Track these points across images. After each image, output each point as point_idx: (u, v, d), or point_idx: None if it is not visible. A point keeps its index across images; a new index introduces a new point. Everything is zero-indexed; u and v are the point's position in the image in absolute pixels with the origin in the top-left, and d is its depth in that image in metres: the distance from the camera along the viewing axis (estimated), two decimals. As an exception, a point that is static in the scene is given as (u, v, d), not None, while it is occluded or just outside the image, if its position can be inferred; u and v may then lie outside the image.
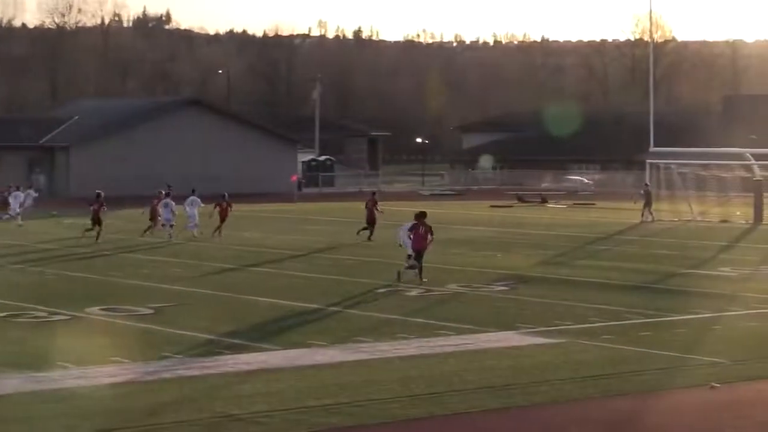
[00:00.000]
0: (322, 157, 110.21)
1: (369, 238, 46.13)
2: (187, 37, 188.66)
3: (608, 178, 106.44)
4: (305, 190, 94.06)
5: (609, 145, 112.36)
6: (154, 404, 16.93)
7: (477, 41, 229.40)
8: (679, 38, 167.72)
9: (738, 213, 61.05)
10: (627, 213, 65.16)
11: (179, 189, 51.59)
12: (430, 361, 20.36)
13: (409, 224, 32.71)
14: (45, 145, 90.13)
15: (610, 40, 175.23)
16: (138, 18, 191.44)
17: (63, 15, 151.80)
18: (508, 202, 78.74)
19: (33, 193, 59.46)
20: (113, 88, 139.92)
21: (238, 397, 17.46)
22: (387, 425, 16.05)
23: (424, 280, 31.56)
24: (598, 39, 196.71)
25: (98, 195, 46.31)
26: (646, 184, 61.87)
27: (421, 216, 32.34)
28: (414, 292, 30.08)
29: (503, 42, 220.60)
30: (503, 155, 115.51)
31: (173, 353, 20.89)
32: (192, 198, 48.44)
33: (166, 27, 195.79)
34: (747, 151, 64.84)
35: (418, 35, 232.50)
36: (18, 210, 55.29)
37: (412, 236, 32.09)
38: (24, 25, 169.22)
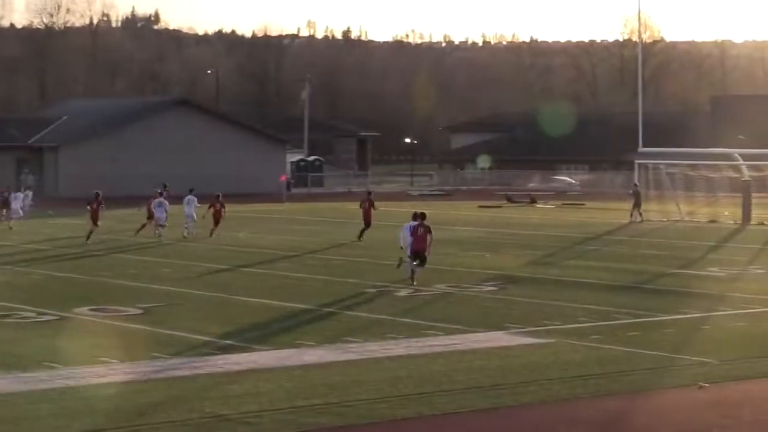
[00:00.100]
0: (311, 158, 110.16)
1: (359, 238, 46.09)
2: (176, 37, 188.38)
3: (597, 178, 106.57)
4: (294, 191, 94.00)
5: (598, 145, 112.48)
6: (143, 405, 16.92)
7: (466, 41, 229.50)
8: (668, 39, 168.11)
9: (726, 213, 61.17)
10: (616, 213, 65.26)
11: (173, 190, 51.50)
12: (418, 362, 20.38)
13: (410, 225, 32.66)
14: (34, 145, 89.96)
15: (598, 40, 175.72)
16: (127, 18, 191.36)
17: (51, 15, 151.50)
18: (497, 202, 78.78)
19: (30, 194, 59.32)
20: (102, 88, 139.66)
21: (228, 397, 17.46)
22: (376, 425, 16.06)
23: (414, 283, 31.44)
24: (586, 39, 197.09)
25: (96, 195, 46.48)
26: (636, 184, 61.95)
27: (421, 217, 32.41)
28: (403, 293, 30.09)
29: (492, 42, 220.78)
30: (492, 156, 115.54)
31: (162, 353, 20.88)
32: (189, 197, 48.55)
33: (155, 27, 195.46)
34: (735, 151, 64.96)
35: (407, 35, 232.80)
36: (20, 212, 55.27)
37: (411, 237, 32.01)
38: (12, 25, 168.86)
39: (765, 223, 57.21)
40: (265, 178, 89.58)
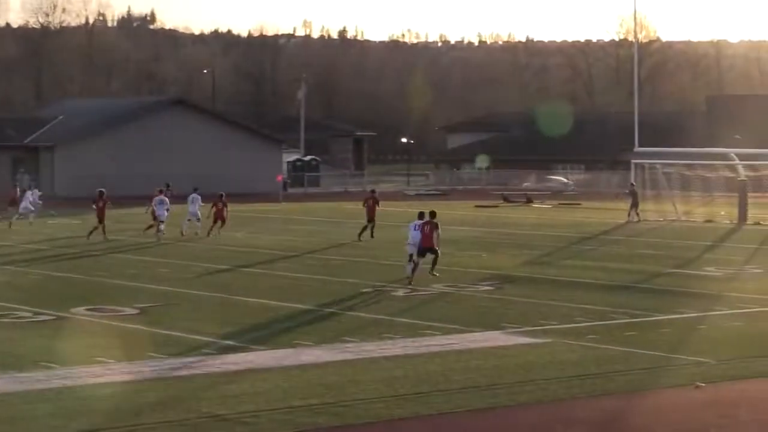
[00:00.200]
0: (308, 157, 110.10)
1: (359, 237, 46.11)
2: (172, 36, 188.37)
3: (593, 178, 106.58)
4: (290, 190, 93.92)
5: (594, 145, 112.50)
6: (139, 404, 16.92)
7: (462, 41, 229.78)
8: (664, 38, 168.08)
9: (722, 213, 61.21)
10: (612, 213, 65.28)
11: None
12: (415, 361, 20.39)
13: (415, 223, 33.11)
14: (30, 144, 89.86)
15: (594, 40, 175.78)
16: (122, 18, 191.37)
17: (47, 15, 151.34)
18: (494, 202, 78.79)
19: (37, 192, 59.31)
20: (98, 87, 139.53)
21: (225, 397, 17.47)
22: (372, 425, 16.07)
23: (411, 283, 31.52)
24: (582, 39, 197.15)
25: (101, 193, 46.58)
26: (632, 184, 61.98)
27: (430, 215, 32.93)
28: (400, 292, 30.11)
29: (488, 42, 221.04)
30: (488, 155, 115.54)
31: (159, 354, 20.88)
32: (193, 196, 48.64)
33: (151, 27, 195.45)
34: (731, 151, 65.03)
35: (403, 35, 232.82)
36: (31, 209, 55.31)
37: (420, 235, 32.44)
38: (8, 24, 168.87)
39: (761, 222, 57.26)
40: (262, 178, 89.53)
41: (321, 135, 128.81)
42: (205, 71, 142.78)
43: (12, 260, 38.61)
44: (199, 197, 48.64)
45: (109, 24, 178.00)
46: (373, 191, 50.18)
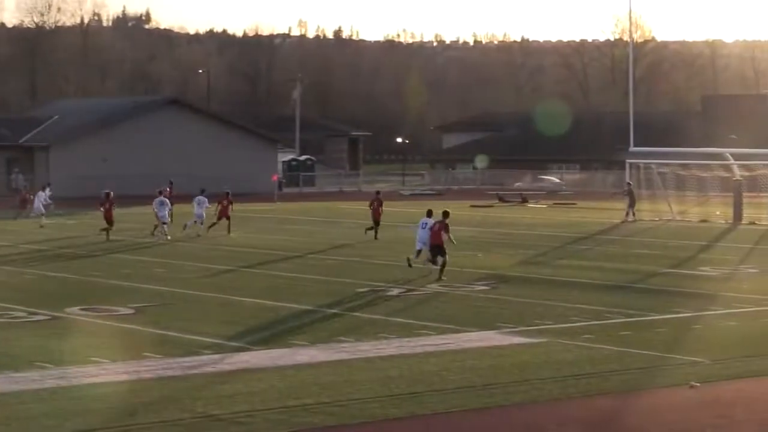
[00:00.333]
0: (303, 157, 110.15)
1: (375, 237, 46.19)
2: (167, 36, 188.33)
3: (588, 178, 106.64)
4: (286, 190, 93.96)
5: (589, 145, 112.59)
6: (134, 404, 16.90)
7: (457, 41, 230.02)
8: (659, 38, 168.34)
9: (717, 213, 61.25)
10: (607, 213, 65.35)
11: (157, 189, 51.48)
12: (410, 361, 20.38)
13: (426, 220, 33.81)
14: (24, 144, 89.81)
15: (589, 40, 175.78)
16: (117, 17, 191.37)
17: (42, 14, 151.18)
18: (489, 201, 78.80)
19: (49, 192, 59.37)
20: (93, 87, 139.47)
21: (220, 397, 17.45)
22: (367, 425, 16.06)
23: (444, 278, 32.36)
24: (577, 39, 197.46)
25: (107, 194, 46.71)
26: (629, 183, 62.01)
27: (443, 215, 33.55)
28: (395, 292, 30.10)
29: (483, 42, 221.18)
30: (484, 155, 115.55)
31: (154, 353, 20.86)
32: (199, 198, 48.69)
33: (146, 26, 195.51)
34: (726, 150, 65.06)
35: (399, 35, 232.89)
36: (42, 210, 55.37)
37: (430, 233, 33.10)
38: (3, 24, 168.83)
39: (756, 222, 57.30)
40: (257, 178, 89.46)
41: (316, 135, 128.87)
42: (200, 71, 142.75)
43: (9, 260, 38.55)
44: (206, 199, 48.76)
45: (104, 24, 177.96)
46: (378, 192, 50.31)
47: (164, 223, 46.79)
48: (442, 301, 28.77)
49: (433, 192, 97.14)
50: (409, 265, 33.88)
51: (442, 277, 32.57)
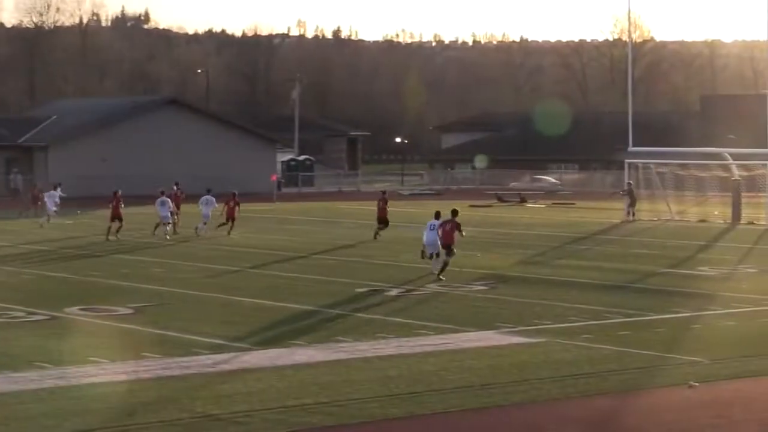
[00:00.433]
0: (302, 157, 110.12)
1: (374, 237, 46.18)
2: (166, 36, 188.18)
3: (587, 177, 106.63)
4: (284, 190, 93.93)
5: (588, 144, 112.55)
6: (133, 404, 16.91)
7: (456, 41, 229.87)
8: (658, 38, 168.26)
9: (716, 212, 61.24)
10: (606, 213, 65.36)
11: (156, 189, 51.52)
12: (409, 361, 20.38)
13: (431, 222, 33.92)
14: (23, 144, 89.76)
15: (588, 40, 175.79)
16: (116, 17, 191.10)
17: (41, 14, 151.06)
18: (488, 201, 78.79)
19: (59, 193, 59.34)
20: (92, 87, 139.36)
21: (218, 397, 17.45)
22: (366, 425, 16.06)
23: (442, 278, 32.50)
24: (576, 39, 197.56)
25: (115, 192, 46.75)
26: (629, 183, 62.01)
27: (452, 213, 34.03)
28: (394, 292, 30.10)
29: (482, 42, 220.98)
30: (483, 155, 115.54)
31: (153, 353, 20.86)
32: (206, 197, 48.76)
33: (145, 26, 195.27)
34: (725, 150, 65.04)
35: (398, 35, 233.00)
36: (54, 209, 55.37)
37: (441, 233, 33.31)
38: (1, 24, 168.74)
39: (755, 222, 57.31)
40: (256, 178, 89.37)
41: (315, 135, 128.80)
42: (199, 71, 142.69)
43: (7, 260, 38.54)
44: (214, 199, 48.84)
45: (103, 24, 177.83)
46: (383, 192, 50.46)
47: (165, 223, 46.92)
48: (441, 301, 28.78)
49: (432, 192, 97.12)
50: (438, 276, 33.58)
51: (441, 277, 32.58)
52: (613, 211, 64.22)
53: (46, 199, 56.07)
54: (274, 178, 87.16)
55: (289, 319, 25.46)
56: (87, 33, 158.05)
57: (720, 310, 27.09)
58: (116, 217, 46.26)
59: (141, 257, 39.76)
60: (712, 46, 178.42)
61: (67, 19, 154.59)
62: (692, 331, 24.22)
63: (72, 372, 19.13)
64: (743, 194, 60.44)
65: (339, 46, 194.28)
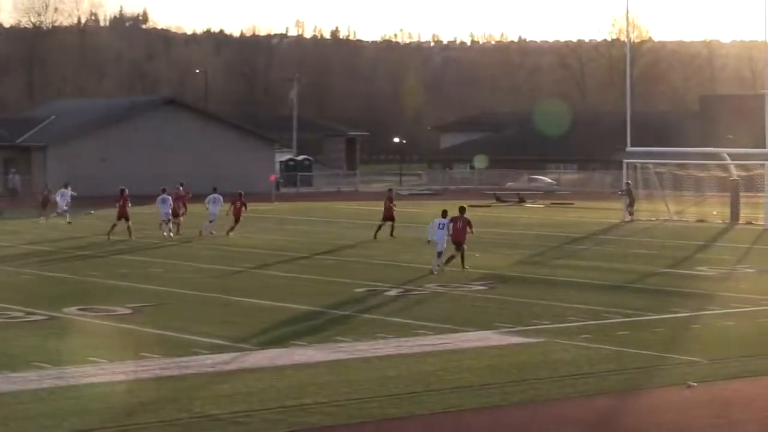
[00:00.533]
0: (300, 157, 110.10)
1: (391, 234, 46.22)
2: (164, 36, 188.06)
3: (586, 177, 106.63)
4: (283, 190, 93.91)
5: (586, 145, 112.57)
6: (132, 404, 16.90)
7: (454, 41, 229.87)
8: (656, 38, 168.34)
9: (715, 212, 61.26)
10: (605, 213, 65.38)
11: (156, 189, 51.59)
12: (408, 361, 20.38)
13: (439, 221, 34.65)
14: (21, 144, 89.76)
15: (587, 40, 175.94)
16: (115, 17, 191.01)
17: (39, 14, 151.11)
18: (486, 201, 78.79)
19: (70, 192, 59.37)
20: (90, 87, 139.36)
21: (218, 397, 17.45)
22: (365, 425, 16.06)
23: (467, 267, 34.00)
24: (575, 39, 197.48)
25: (122, 191, 46.79)
26: (628, 183, 62.01)
27: (460, 211, 34.83)
28: (393, 292, 30.09)
29: (480, 42, 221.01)
30: (482, 155, 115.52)
31: (152, 353, 20.85)
32: (213, 196, 48.84)
33: (143, 26, 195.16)
34: (723, 150, 65.07)
35: (396, 35, 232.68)
36: (65, 207, 55.41)
37: (451, 230, 34.16)
38: (0, 24, 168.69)
39: (753, 222, 57.31)
40: (254, 178, 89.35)
41: (314, 135, 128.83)
42: (197, 71, 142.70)
43: (6, 260, 38.52)
44: (221, 197, 48.92)
45: (102, 24, 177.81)
46: (390, 190, 50.64)
47: (165, 221, 47.08)
48: (440, 301, 28.78)
49: (431, 192, 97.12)
50: (434, 271, 33.97)
51: (445, 268, 33.47)
52: (612, 211, 64.22)
53: (58, 198, 56.18)
54: (273, 178, 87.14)
55: (288, 319, 25.46)
56: (85, 33, 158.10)
57: (719, 310, 27.10)
58: (123, 216, 46.30)
59: (140, 257, 39.74)
60: (710, 46, 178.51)
61: (65, 19, 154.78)
62: (691, 331, 24.23)
63: (71, 372, 19.13)
64: (742, 194, 60.45)
65: (337, 46, 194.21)
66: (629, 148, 63.15)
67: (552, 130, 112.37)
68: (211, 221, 48.25)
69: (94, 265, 37.02)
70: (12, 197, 78.01)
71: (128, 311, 26.38)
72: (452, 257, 34.15)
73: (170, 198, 47.90)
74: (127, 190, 47.32)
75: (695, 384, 18.52)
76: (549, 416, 16.74)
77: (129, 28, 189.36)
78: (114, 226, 46.16)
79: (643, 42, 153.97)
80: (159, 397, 17.50)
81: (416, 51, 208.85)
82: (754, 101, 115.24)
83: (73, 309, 26.58)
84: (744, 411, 17.14)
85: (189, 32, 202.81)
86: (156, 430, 15.61)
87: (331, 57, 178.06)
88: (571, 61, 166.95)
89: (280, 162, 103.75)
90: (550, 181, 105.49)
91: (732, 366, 20.33)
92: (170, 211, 47.44)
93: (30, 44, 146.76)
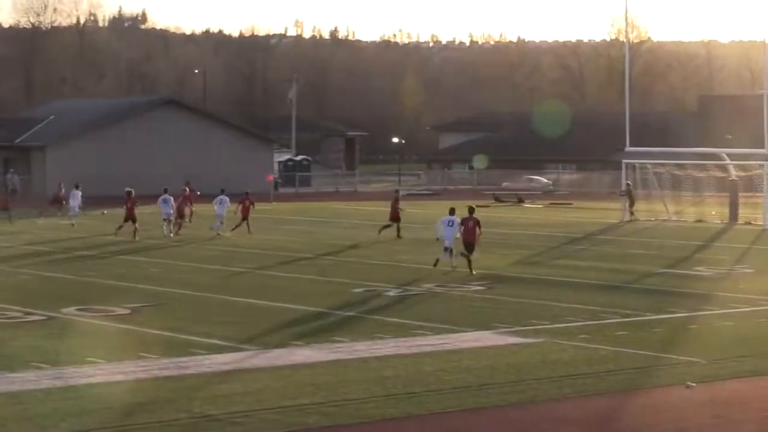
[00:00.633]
0: (299, 157, 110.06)
1: (398, 236, 46.23)
2: (163, 36, 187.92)
3: (584, 178, 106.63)
4: (282, 190, 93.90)
5: (585, 145, 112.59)
6: (130, 405, 16.89)
7: (453, 41, 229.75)
8: (655, 39, 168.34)
9: (713, 213, 61.27)
10: (603, 213, 65.37)
11: (156, 189, 51.66)
12: (406, 361, 20.38)
13: (447, 218, 34.95)
14: (20, 145, 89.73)
15: (586, 40, 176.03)
16: (114, 18, 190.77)
17: (38, 14, 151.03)
18: (485, 202, 78.73)
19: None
20: (89, 87, 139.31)
21: (216, 397, 17.45)
22: (363, 425, 16.06)
23: (474, 272, 33.57)
24: (574, 39, 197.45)
25: (129, 193, 47.01)
26: (628, 184, 62.02)
27: (470, 211, 35.30)
28: (391, 292, 30.09)
29: (479, 42, 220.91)
30: (483, 155, 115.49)
31: (150, 353, 20.85)
32: (221, 197, 48.92)
33: (142, 27, 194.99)
34: (722, 150, 65.10)
35: (395, 35, 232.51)
36: (77, 209, 55.41)
37: (462, 230, 34.50)
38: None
39: (752, 222, 57.32)
40: (253, 178, 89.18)
41: (312, 135, 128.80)
42: (196, 71, 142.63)
43: (5, 260, 38.50)
44: (227, 198, 49.02)
45: (101, 24, 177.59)
46: (396, 191, 50.83)
47: (169, 221, 47.26)
48: (438, 301, 28.78)
49: (430, 192, 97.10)
50: (436, 266, 34.11)
51: (473, 272, 33.71)
52: (610, 211, 64.22)
53: (70, 200, 56.21)
54: (271, 178, 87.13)
55: (286, 319, 25.45)
56: (84, 33, 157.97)
57: (717, 311, 27.10)
58: (130, 218, 46.42)
59: (139, 257, 39.73)
60: (709, 46, 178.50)
61: (64, 19, 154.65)
62: (689, 332, 24.23)
63: (69, 372, 19.12)
64: (740, 194, 60.49)
65: (336, 46, 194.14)
66: (628, 149, 63.16)
67: (551, 131, 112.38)
68: (221, 222, 48.42)
69: (93, 265, 37.01)
70: (11, 198, 77.88)
71: (127, 311, 26.38)
72: (466, 257, 34.27)
73: (172, 199, 48.01)
74: (134, 192, 47.48)
75: (694, 384, 18.52)
76: (547, 416, 16.74)
77: (128, 28, 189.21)
78: (121, 227, 46.27)
79: (642, 42, 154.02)
80: (157, 397, 17.49)
81: (415, 51, 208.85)
82: (753, 101, 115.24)
83: (71, 309, 26.57)
84: (742, 411, 17.14)
85: (188, 32, 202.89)
86: (154, 430, 15.60)
87: (330, 57, 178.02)
88: (570, 62, 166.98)
89: (279, 162, 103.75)
90: (546, 181, 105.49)
91: (730, 366, 20.33)
92: (171, 212, 47.56)
93: (29, 44, 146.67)
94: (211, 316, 25.88)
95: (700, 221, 58.95)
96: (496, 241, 47.15)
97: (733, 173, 60.99)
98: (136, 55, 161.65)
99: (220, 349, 21.45)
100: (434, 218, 56.32)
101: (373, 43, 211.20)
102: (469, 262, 34.16)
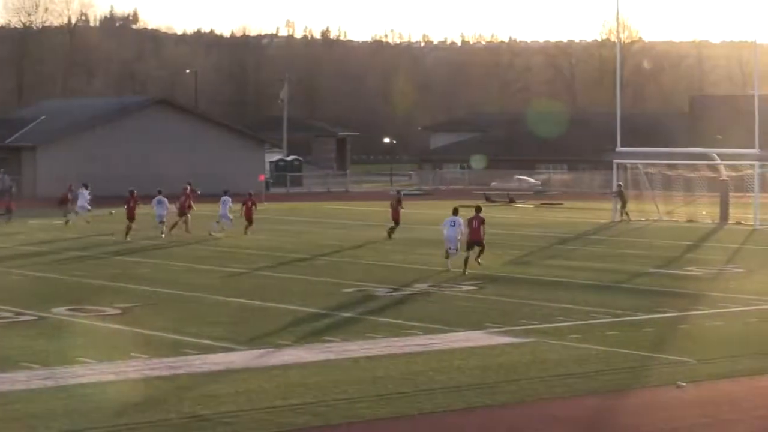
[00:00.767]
0: (290, 157, 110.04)
1: (389, 236, 46.17)
2: (155, 36, 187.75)
3: (576, 178, 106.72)
4: (273, 190, 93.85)
5: (576, 145, 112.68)
6: (121, 405, 16.87)
7: (445, 41, 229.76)
8: (646, 39, 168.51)
9: (704, 213, 61.34)
10: (594, 213, 65.42)
11: (148, 189, 51.62)
12: (397, 361, 20.38)
13: (450, 219, 35.23)
14: (11, 145, 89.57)
15: (577, 40, 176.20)
16: (105, 18, 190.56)
17: (29, 14, 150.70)
18: (476, 202, 78.70)
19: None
20: (80, 87, 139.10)
21: (206, 397, 17.44)
22: (354, 425, 16.06)
23: (467, 272, 33.70)
24: (565, 39, 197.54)
25: (131, 192, 46.92)
26: (620, 184, 62.06)
27: (476, 210, 35.74)
28: (382, 292, 30.09)
29: (471, 42, 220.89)
30: (470, 155, 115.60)
31: (141, 353, 20.83)
32: (224, 198, 48.93)
33: (133, 27, 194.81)
34: (713, 151, 65.18)
35: (386, 35, 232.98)
36: (88, 208, 55.30)
37: (468, 229, 34.83)
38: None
39: (742, 222, 57.40)
40: (244, 178, 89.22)
41: (304, 135, 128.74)
42: (187, 71, 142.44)
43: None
44: (230, 199, 49.01)
45: (92, 24, 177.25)
46: (398, 192, 50.86)
47: (161, 222, 47.21)
48: (430, 301, 28.78)
49: (422, 192, 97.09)
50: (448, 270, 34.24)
51: (479, 261, 34.39)
52: (602, 211, 64.27)
53: (78, 197, 56.17)
54: (262, 178, 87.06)
55: (277, 319, 25.43)
56: (75, 33, 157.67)
57: (707, 310, 27.13)
58: (131, 218, 46.49)
59: (130, 258, 39.68)
60: (700, 46, 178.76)
61: (55, 19, 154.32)
62: (680, 331, 24.26)
63: (60, 372, 19.09)
64: (731, 194, 60.58)
65: (328, 47, 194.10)
66: (619, 149, 63.24)
67: (543, 131, 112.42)
68: (218, 222, 48.43)
69: (83, 265, 36.96)
70: (1, 198, 77.74)
71: (118, 311, 26.35)
72: (467, 258, 34.37)
73: (166, 200, 47.97)
74: (135, 192, 47.52)
75: (684, 384, 18.54)
76: (538, 416, 16.75)
77: (119, 28, 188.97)
78: (129, 228, 46.28)
79: (633, 42, 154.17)
80: (148, 397, 17.47)
81: (406, 51, 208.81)
82: (744, 102, 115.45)
83: (62, 309, 26.54)
84: (733, 411, 17.16)
85: (179, 32, 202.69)
86: (145, 430, 15.59)
87: (322, 57, 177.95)
88: (561, 62, 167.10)
89: (271, 162, 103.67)
90: (534, 181, 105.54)
91: (721, 366, 20.36)
92: (165, 213, 47.52)
93: (20, 44, 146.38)
94: (201, 316, 25.86)
95: (691, 221, 59.03)
96: (488, 241, 47.11)
97: (724, 173, 61.07)
98: (127, 55, 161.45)
99: (210, 349, 21.43)
100: (425, 219, 56.40)
101: (365, 43, 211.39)
102: (465, 261, 34.11)
